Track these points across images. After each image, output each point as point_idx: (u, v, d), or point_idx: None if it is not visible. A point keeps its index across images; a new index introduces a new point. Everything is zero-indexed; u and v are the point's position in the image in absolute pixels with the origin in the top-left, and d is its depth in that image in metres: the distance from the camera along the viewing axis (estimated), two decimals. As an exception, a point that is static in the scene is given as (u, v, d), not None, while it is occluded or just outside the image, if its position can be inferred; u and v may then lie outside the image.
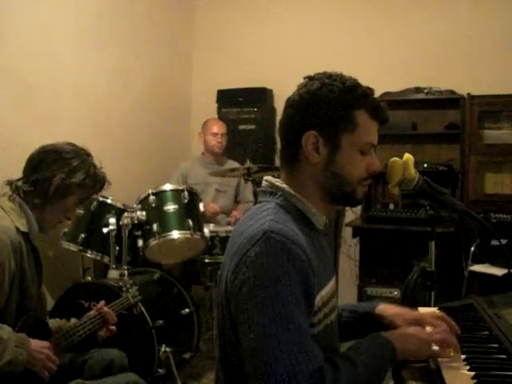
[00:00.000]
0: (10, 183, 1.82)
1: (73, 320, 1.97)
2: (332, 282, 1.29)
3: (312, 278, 1.11)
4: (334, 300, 1.28)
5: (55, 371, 1.71)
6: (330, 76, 1.23)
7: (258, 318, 1.06)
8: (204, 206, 3.29)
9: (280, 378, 1.02)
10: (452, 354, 1.22)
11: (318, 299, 1.17)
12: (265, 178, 1.29)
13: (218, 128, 3.96)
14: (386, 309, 1.42)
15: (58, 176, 1.80)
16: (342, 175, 1.22)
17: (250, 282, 1.08)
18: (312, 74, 1.26)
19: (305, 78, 1.26)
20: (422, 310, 1.60)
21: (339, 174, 1.21)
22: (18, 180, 1.82)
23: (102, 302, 2.03)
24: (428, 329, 1.36)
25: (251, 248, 1.10)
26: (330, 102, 1.19)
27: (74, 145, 1.90)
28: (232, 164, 3.94)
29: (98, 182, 1.91)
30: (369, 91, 1.23)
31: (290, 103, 1.25)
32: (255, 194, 3.51)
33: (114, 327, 2.00)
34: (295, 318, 1.06)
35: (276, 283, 1.06)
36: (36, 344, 1.67)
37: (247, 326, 1.08)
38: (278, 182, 1.26)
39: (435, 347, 1.23)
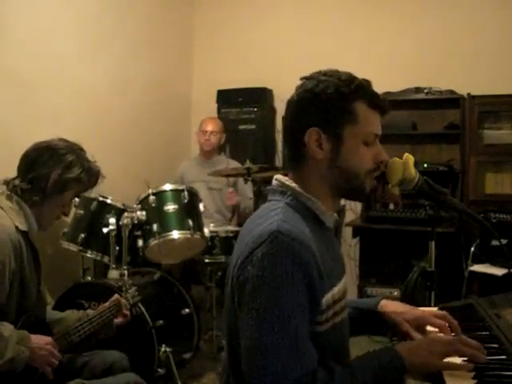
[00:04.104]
0: (6, 182, 1.83)
1: (89, 311, 2.02)
2: (343, 280, 1.30)
3: (317, 279, 1.11)
4: (345, 298, 1.28)
5: (56, 366, 1.72)
6: (325, 73, 1.24)
7: (255, 318, 1.07)
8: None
9: (269, 379, 1.04)
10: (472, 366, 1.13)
11: (329, 297, 1.17)
12: (275, 176, 1.30)
13: (208, 126, 3.94)
14: (387, 305, 1.42)
15: (55, 172, 1.82)
16: (348, 168, 1.21)
17: (254, 281, 1.09)
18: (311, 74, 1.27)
19: (301, 78, 1.27)
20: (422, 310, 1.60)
21: (345, 167, 1.21)
22: (15, 179, 1.83)
23: (116, 295, 2.10)
24: (430, 328, 1.36)
25: (258, 247, 1.11)
26: (328, 97, 1.20)
27: (66, 141, 1.93)
28: (223, 161, 3.94)
29: (93, 175, 1.94)
30: (365, 82, 1.23)
31: (289, 104, 1.27)
32: (256, 194, 3.51)
33: (127, 312, 2.08)
34: (292, 321, 1.06)
35: (278, 285, 1.07)
36: (38, 340, 1.68)
37: (245, 325, 1.09)
38: (288, 182, 1.26)
39: (451, 359, 1.15)
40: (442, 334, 1.31)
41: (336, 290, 1.21)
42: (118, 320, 2.06)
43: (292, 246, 1.09)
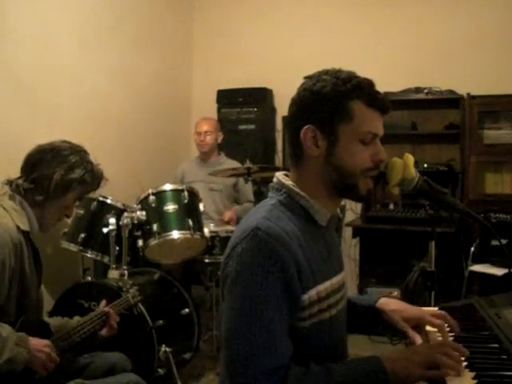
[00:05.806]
0: (9, 182, 1.83)
1: (76, 318, 1.98)
2: (337, 277, 1.30)
3: (295, 277, 1.13)
4: (338, 294, 1.29)
5: (53, 369, 1.71)
6: (326, 72, 1.25)
7: (232, 310, 1.12)
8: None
9: (242, 371, 1.07)
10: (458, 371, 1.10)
11: (313, 294, 1.18)
12: (276, 174, 1.32)
13: (202, 127, 3.94)
14: (386, 303, 1.42)
15: (58, 173, 1.82)
16: (342, 167, 1.22)
17: (233, 275, 1.13)
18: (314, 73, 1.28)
19: (304, 77, 1.28)
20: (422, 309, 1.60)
21: (340, 165, 1.22)
22: (18, 179, 1.83)
23: (104, 302, 2.04)
24: (428, 328, 1.36)
25: (239, 243, 1.15)
26: (324, 96, 1.21)
27: (70, 142, 1.93)
28: (223, 161, 3.95)
29: (96, 177, 1.94)
30: (365, 81, 1.23)
31: (291, 103, 1.28)
32: (256, 194, 3.51)
33: (115, 325, 2.01)
34: (265, 316, 1.09)
35: (253, 280, 1.10)
36: (36, 343, 1.67)
37: (224, 317, 1.14)
38: (284, 179, 1.28)
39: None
40: (439, 336, 1.31)
41: (322, 287, 1.21)
42: (104, 332, 1.99)
43: (269, 242, 1.12)
